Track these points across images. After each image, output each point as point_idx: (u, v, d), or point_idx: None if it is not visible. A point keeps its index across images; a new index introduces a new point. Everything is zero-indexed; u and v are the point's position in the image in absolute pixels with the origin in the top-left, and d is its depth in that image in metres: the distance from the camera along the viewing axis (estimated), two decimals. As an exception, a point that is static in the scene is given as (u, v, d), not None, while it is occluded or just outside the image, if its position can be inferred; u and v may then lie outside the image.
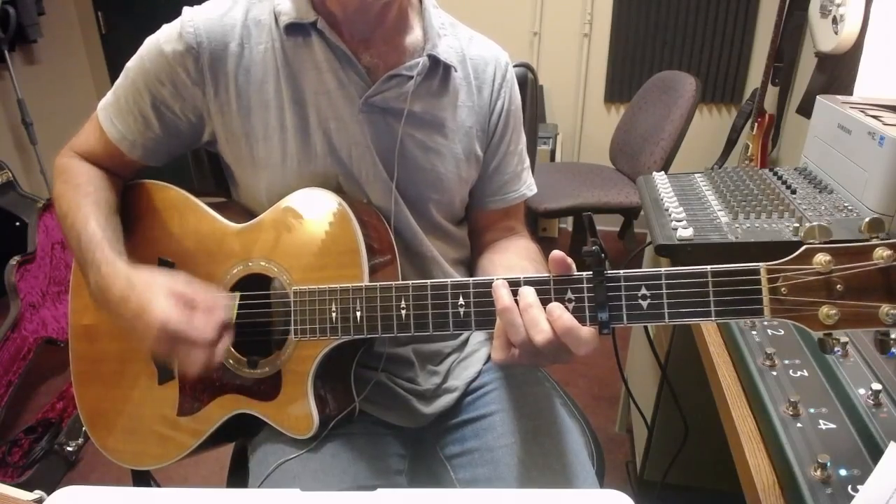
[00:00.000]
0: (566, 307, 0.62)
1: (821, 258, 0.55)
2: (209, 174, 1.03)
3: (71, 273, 0.94)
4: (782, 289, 0.56)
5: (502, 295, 0.63)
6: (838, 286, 0.54)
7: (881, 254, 0.53)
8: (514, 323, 0.62)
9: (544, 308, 0.62)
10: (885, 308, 0.53)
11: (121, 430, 0.91)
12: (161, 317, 0.69)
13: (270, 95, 0.80)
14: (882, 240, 0.54)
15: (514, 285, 0.64)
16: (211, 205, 0.86)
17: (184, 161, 1.00)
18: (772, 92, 2.75)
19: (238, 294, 0.81)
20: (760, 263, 0.57)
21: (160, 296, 0.70)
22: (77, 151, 0.89)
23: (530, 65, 1.07)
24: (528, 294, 0.62)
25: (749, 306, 0.57)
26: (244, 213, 0.87)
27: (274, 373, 0.80)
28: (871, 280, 0.54)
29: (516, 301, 0.63)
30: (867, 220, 0.54)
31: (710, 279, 0.58)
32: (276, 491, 0.77)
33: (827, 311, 0.55)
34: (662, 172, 1.30)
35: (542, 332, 0.60)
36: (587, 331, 0.61)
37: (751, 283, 0.57)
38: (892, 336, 0.56)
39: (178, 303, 0.70)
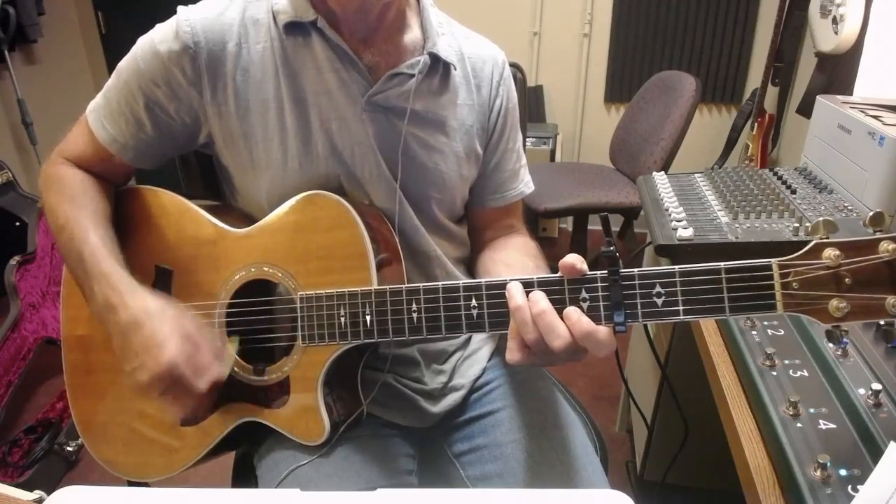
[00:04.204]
0: (581, 308, 0.62)
1: (829, 252, 0.56)
2: (198, 178, 1.00)
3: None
4: (794, 283, 0.57)
5: (514, 294, 0.63)
6: (847, 279, 0.56)
7: (886, 247, 0.54)
8: (525, 322, 0.62)
9: (559, 312, 0.61)
10: (891, 299, 0.54)
11: (121, 443, 0.88)
12: (171, 358, 0.70)
13: (270, 95, 0.80)
14: (885, 234, 0.55)
15: (528, 286, 0.64)
16: (207, 208, 0.85)
17: (171, 164, 0.97)
18: (772, 92, 2.76)
19: (237, 338, 0.81)
20: (772, 259, 0.58)
21: (175, 336, 0.71)
22: (66, 157, 0.87)
23: (519, 65, 1.06)
24: (540, 300, 0.62)
25: (762, 301, 0.58)
26: (243, 217, 0.86)
27: (281, 380, 0.79)
28: (877, 273, 0.55)
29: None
30: (870, 214, 0.56)
31: (723, 276, 0.58)
32: (275, 491, 0.77)
33: (837, 304, 0.56)
34: (662, 172, 1.30)
35: (559, 338, 0.60)
36: (604, 332, 0.61)
37: (764, 278, 0.58)
38: None
39: (187, 347, 0.71)
